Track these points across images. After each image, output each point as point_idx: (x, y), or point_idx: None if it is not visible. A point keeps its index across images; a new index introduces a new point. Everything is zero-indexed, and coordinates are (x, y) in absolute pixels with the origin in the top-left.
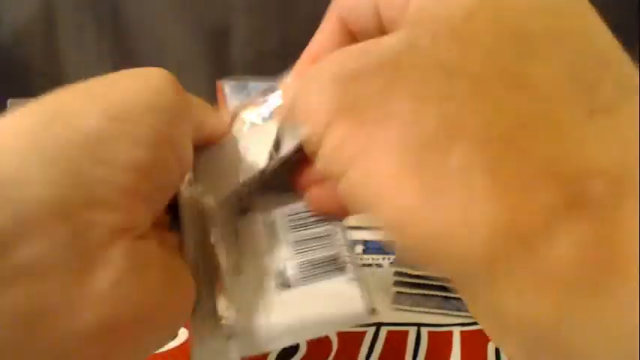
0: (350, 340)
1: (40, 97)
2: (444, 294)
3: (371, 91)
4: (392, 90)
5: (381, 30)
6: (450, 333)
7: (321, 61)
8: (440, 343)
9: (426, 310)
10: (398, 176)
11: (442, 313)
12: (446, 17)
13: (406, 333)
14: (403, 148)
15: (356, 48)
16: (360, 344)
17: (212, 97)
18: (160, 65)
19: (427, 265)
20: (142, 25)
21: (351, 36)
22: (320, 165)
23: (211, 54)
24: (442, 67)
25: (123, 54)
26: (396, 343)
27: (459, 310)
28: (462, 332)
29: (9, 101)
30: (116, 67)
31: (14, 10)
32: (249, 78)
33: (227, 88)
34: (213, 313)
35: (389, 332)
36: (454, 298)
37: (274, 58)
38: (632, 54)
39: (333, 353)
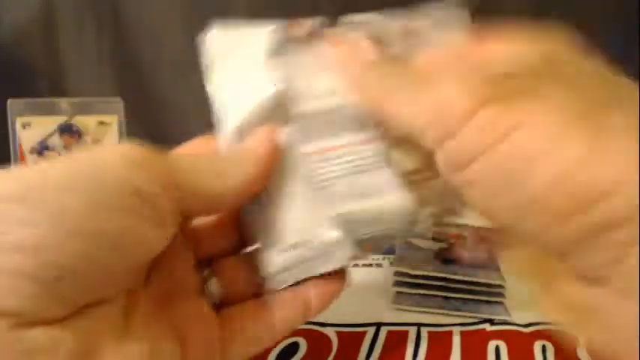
0: (350, 340)
1: (39, 96)
2: (444, 294)
3: (523, 84)
4: (541, 83)
5: None
6: (450, 333)
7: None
8: (440, 343)
9: (426, 310)
10: (564, 132)
11: (442, 313)
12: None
13: (406, 333)
14: (566, 113)
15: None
16: (360, 344)
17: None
18: (160, 65)
19: (576, 214)
20: (142, 25)
21: None
22: (458, 144)
23: None
24: (565, 75)
25: (123, 54)
26: (396, 343)
27: (458, 310)
28: (462, 332)
29: (9, 101)
30: (116, 67)
31: (14, 10)
32: None
33: None
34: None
35: (389, 332)
36: (454, 298)
37: None
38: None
39: (333, 353)
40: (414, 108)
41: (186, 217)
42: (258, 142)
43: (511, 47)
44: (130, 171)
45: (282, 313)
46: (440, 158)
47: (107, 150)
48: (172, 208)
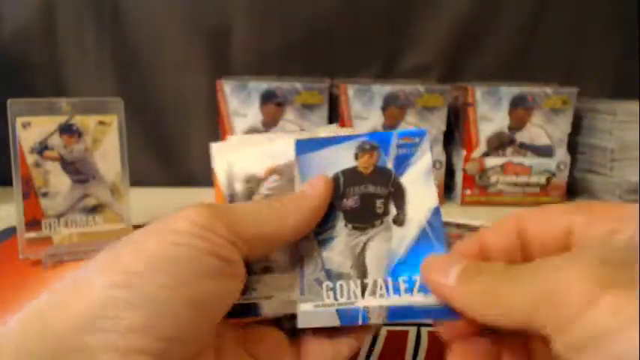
0: None
1: (39, 96)
2: None
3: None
4: None
5: (564, 245)
6: None
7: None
8: (440, 343)
9: None
10: None
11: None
12: None
13: (406, 333)
14: None
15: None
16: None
17: (212, 97)
18: (160, 65)
19: None
20: (142, 25)
21: (520, 240)
22: (581, 330)
23: (211, 54)
24: None
25: (123, 54)
26: (396, 342)
27: None
28: None
29: (9, 101)
30: (116, 67)
31: (15, 10)
32: (249, 78)
33: (227, 88)
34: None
35: (389, 332)
36: None
37: (274, 58)
38: (632, 54)
39: None
40: (525, 299)
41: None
42: (314, 189)
43: (615, 225)
44: (204, 239)
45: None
46: (558, 343)
47: (179, 221)
48: (241, 257)
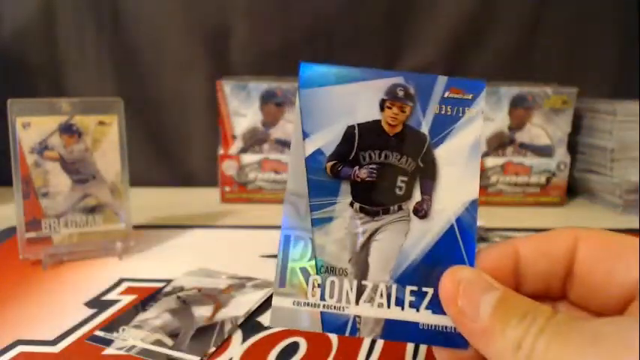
0: (350, 340)
1: (39, 96)
2: None
3: None
4: None
5: (565, 273)
6: None
7: None
8: None
9: None
10: None
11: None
12: None
13: None
14: None
15: None
16: (360, 344)
17: (212, 97)
18: (160, 65)
19: None
20: (142, 26)
21: (515, 264)
22: None
23: (211, 54)
24: None
25: (123, 54)
26: (396, 343)
27: None
28: None
29: (9, 101)
30: (116, 67)
31: (14, 10)
32: (249, 78)
33: (227, 88)
34: None
35: None
36: None
37: (274, 58)
38: (632, 54)
39: (333, 353)
40: None
41: None
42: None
43: None
44: None
45: None
46: None
47: None
48: None
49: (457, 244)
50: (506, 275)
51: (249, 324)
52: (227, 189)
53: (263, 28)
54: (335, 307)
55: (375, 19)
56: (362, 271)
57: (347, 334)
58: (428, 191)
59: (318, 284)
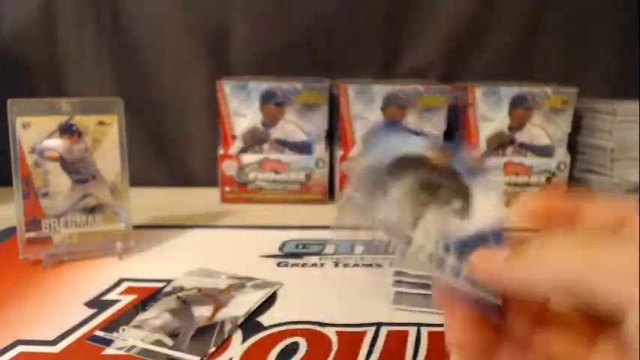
0: (350, 340)
1: (39, 96)
2: None
3: None
4: None
5: None
6: None
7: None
8: (440, 343)
9: (426, 310)
10: None
11: (442, 313)
12: None
13: (406, 333)
14: None
15: None
16: (360, 344)
17: (212, 97)
18: (160, 65)
19: None
20: (142, 26)
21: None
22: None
23: (211, 54)
24: None
25: (123, 54)
26: (396, 343)
27: None
28: None
29: (9, 101)
30: (116, 67)
31: (14, 10)
32: (249, 78)
33: (227, 88)
34: None
35: (389, 332)
36: None
37: (274, 58)
38: (632, 54)
39: (333, 353)
40: (629, 264)
41: None
42: None
43: None
44: None
45: None
46: (632, 321)
47: None
48: None
49: (488, 241)
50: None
51: (249, 324)
52: (227, 189)
53: (263, 28)
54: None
55: (375, 19)
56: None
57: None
58: (465, 201)
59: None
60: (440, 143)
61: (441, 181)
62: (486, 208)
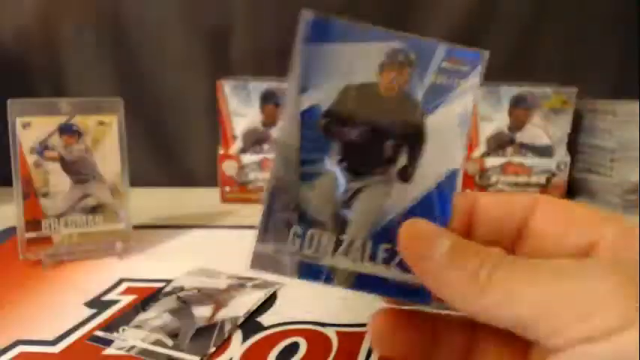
0: (350, 340)
1: (39, 96)
2: None
3: None
4: None
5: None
6: None
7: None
8: None
9: (426, 309)
10: None
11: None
12: None
13: None
14: None
15: None
16: (360, 344)
17: (212, 97)
18: (160, 65)
19: None
20: (142, 26)
21: (471, 209)
22: (597, 348)
23: (211, 54)
24: None
25: (123, 54)
26: None
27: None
28: None
29: (9, 101)
30: (116, 67)
31: (15, 10)
32: (249, 78)
33: (227, 88)
34: None
35: None
36: None
37: (274, 58)
38: (632, 54)
39: (333, 353)
40: (542, 302)
41: None
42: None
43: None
44: None
45: None
46: (551, 347)
47: None
48: None
49: (433, 210)
50: (460, 218)
51: (249, 324)
52: (227, 189)
53: (263, 28)
54: (312, 257)
55: (375, 18)
56: (341, 226)
57: (322, 282)
58: (414, 157)
59: (299, 235)
60: (400, 49)
61: (386, 130)
62: (439, 155)
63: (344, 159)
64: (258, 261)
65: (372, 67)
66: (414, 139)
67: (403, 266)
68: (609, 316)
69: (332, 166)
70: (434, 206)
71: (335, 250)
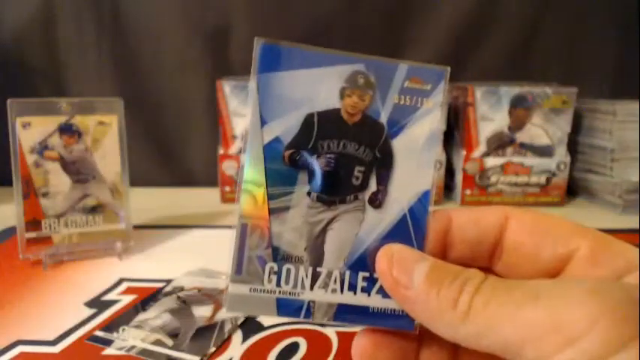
0: (350, 340)
1: (39, 96)
2: None
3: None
4: None
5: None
6: None
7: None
8: None
9: None
10: None
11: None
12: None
13: None
14: None
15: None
16: None
17: (212, 97)
18: (159, 65)
19: None
20: (142, 26)
21: (446, 229)
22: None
23: (211, 54)
24: None
25: (123, 54)
26: None
27: None
28: None
29: (9, 101)
30: (116, 67)
31: (14, 10)
32: (249, 78)
33: (227, 88)
34: None
35: None
36: None
37: None
38: (632, 54)
39: (333, 353)
40: (524, 326)
41: None
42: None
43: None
44: None
45: None
46: None
47: None
48: None
49: (408, 233)
50: (436, 240)
51: (249, 324)
52: (227, 189)
53: (263, 28)
54: (290, 293)
55: (374, 19)
56: (317, 259)
57: (301, 317)
58: (383, 181)
59: (275, 271)
60: (360, 72)
61: (354, 156)
62: (409, 177)
63: (313, 190)
64: (235, 303)
65: (332, 92)
66: (381, 163)
67: (384, 293)
68: (596, 340)
69: (301, 199)
70: (408, 229)
71: (313, 283)
